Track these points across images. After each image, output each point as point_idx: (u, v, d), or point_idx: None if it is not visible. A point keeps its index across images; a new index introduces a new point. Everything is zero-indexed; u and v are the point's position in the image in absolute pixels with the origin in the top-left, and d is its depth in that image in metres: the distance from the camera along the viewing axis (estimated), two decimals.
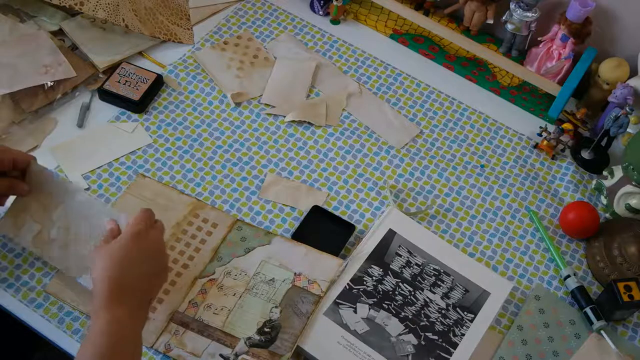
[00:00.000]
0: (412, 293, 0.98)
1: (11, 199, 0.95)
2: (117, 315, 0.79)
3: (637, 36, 1.21)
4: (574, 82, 1.21)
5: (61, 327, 0.92)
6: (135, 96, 1.14)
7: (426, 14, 1.36)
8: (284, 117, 1.19)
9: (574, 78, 1.22)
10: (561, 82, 1.24)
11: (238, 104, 1.20)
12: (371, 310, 0.96)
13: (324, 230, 1.04)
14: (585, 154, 1.20)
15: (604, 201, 1.14)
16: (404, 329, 0.95)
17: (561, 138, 1.18)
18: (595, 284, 1.06)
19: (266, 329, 0.93)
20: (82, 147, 1.10)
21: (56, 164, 1.08)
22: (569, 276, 1.04)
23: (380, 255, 1.01)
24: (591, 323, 0.99)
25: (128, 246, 0.83)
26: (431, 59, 1.33)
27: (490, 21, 1.30)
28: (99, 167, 1.08)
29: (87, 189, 1.05)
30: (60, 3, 1.14)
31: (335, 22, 1.36)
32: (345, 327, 0.94)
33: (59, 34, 1.21)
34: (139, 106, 1.15)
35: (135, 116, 1.15)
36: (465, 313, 0.97)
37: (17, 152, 0.93)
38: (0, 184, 0.91)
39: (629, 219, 1.10)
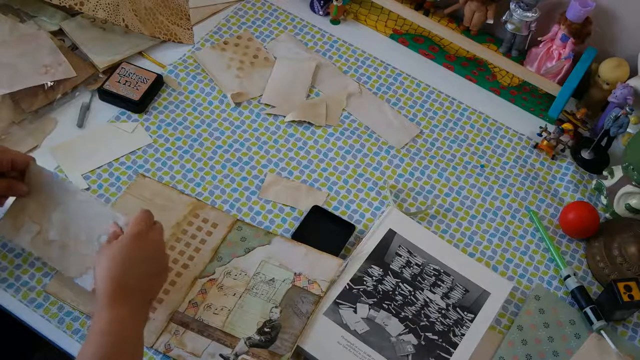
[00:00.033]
0: (412, 293, 0.98)
1: (10, 200, 0.95)
2: (119, 314, 0.79)
3: (637, 36, 1.21)
4: (574, 82, 1.21)
5: (61, 327, 0.92)
6: (135, 96, 1.14)
7: (426, 14, 1.36)
8: (284, 117, 1.19)
9: (574, 78, 1.22)
10: (561, 82, 1.24)
11: (238, 104, 1.20)
12: (371, 310, 0.96)
13: (324, 230, 1.04)
14: (585, 154, 1.20)
15: (604, 201, 1.14)
16: (404, 329, 0.95)
17: (561, 138, 1.18)
18: (595, 284, 1.06)
19: (266, 329, 0.93)
20: (82, 147, 1.10)
21: (56, 164, 1.08)
22: (569, 276, 1.04)
23: (380, 255, 1.01)
24: (591, 323, 0.99)
25: (129, 246, 0.83)
26: (431, 59, 1.33)
27: (490, 21, 1.30)
28: (99, 167, 1.08)
29: (87, 189, 1.05)
30: (60, 3, 1.14)
31: (335, 22, 1.36)
32: (345, 327, 0.94)
33: (59, 34, 1.21)
34: (139, 106, 1.15)
35: (135, 116, 1.15)
36: (465, 313, 0.97)
37: (16, 152, 0.93)
38: None
39: (629, 219, 1.10)
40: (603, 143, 1.19)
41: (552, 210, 1.14)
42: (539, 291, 1.04)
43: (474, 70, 1.31)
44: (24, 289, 0.95)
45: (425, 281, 1.00)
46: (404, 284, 0.99)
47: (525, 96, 1.28)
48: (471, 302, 0.98)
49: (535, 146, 1.21)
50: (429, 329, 0.95)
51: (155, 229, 0.88)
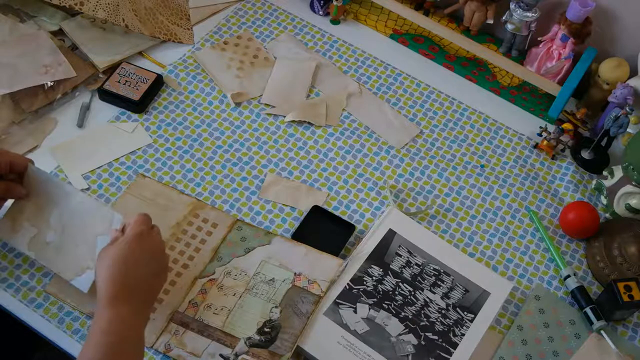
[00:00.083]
0: (412, 293, 0.98)
1: (9, 202, 0.95)
2: (120, 314, 0.79)
3: (637, 36, 1.21)
4: (574, 82, 1.21)
5: (61, 327, 0.92)
6: (135, 96, 1.14)
7: (426, 14, 1.36)
8: (284, 117, 1.19)
9: (574, 78, 1.22)
10: (561, 82, 1.24)
11: (238, 104, 1.20)
12: (371, 310, 0.96)
13: (324, 230, 1.04)
14: (585, 154, 1.20)
15: (604, 201, 1.14)
16: (404, 329, 0.95)
17: (561, 138, 1.18)
18: (595, 284, 1.06)
19: (266, 329, 0.93)
20: (82, 147, 1.10)
21: (56, 164, 1.08)
22: (569, 276, 1.04)
23: (380, 255, 1.01)
24: (591, 323, 0.99)
25: (131, 247, 0.83)
26: (431, 59, 1.33)
27: (490, 21, 1.30)
28: (99, 167, 1.08)
29: (87, 189, 1.05)
30: (60, 3, 1.14)
31: (335, 22, 1.36)
32: (345, 327, 0.94)
33: (59, 34, 1.21)
34: (139, 106, 1.15)
35: (135, 116, 1.15)
36: (465, 313, 0.97)
37: (14, 155, 0.93)
38: None
39: (629, 219, 1.10)
40: (603, 143, 1.19)
41: (552, 210, 1.14)
42: (539, 291, 1.04)
43: (474, 70, 1.31)
44: (24, 289, 0.95)
45: (425, 281, 1.00)
46: (404, 284, 0.99)
47: (525, 96, 1.28)
48: (471, 302, 0.98)
49: (535, 146, 1.21)
50: (429, 329, 0.95)
51: (154, 230, 0.88)
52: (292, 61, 1.27)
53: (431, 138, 1.21)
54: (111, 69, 1.18)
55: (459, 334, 0.95)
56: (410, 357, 0.93)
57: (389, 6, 1.33)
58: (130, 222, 0.86)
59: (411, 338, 0.94)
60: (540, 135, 1.20)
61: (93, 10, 1.16)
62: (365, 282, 0.98)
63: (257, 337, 0.92)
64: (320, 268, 0.98)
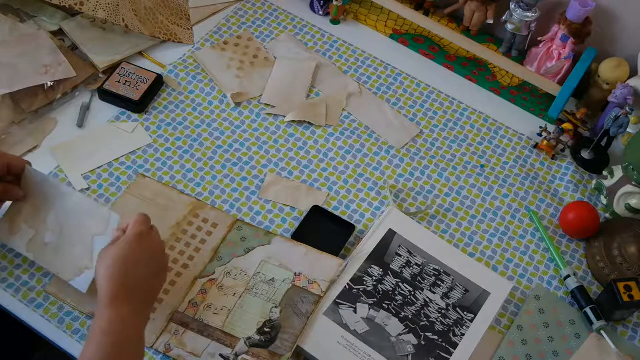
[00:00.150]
0: (412, 293, 0.98)
1: (7, 204, 0.95)
2: (121, 314, 0.79)
3: (637, 36, 1.21)
4: (574, 82, 1.21)
5: (61, 327, 0.92)
6: (135, 96, 1.14)
7: (426, 14, 1.36)
8: (284, 117, 1.19)
9: (574, 78, 1.22)
10: (561, 82, 1.24)
11: (238, 104, 1.20)
12: (371, 310, 0.96)
13: (324, 230, 1.04)
14: (585, 154, 1.20)
15: (604, 201, 1.14)
16: (404, 329, 0.95)
17: (561, 138, 1.18)
18: (595, 284, 1.06)
19: (266, 329, 0.93)
20: (82, 147, 1.10)
21: (56, 164, 1.07)
22: (569, 276, 1.04)
23: (380, 255, 1.01)
24: (591, 323, 0.99)
25: (131, 247, 0.83)
26: (431, 59, 1.33)
27: (490, 21, 1.30)
28: (99, 167, 1.08)
29: (87, 189, 1.05)
30: (60, 3, 1.14)
31: (335, 22, 1.36)
32: (345, 327, 0.94)
33: (59, 34, 1.21)
34: (139, 106, 1.15)
35: (135, 116, 1.15)
36: (465, 313, 0.97)
37: (12, 156, 0.93)
38: None
39: (629, 219, 1.10)
40: (603, 143, 1.19)
41: (552, 210, 1.14)
42: (539, 291, 1.04)
43: (474, 70, 1.31)
44: (24, 289, 0.95)
45: (425, 281, 1.00)
46: (404, 284, 0.99)
47: (525, 96, 1.28)
48: (471, 302, 0.98)
49: (535, 146, 1.21)
50: (429, 329, 0.95)
51: (154, 230, 0.88)
52: (292, 61, 1.27)
53: (431, 138, 1.21)
54: (111, 69, 1.18)
55: (459, 334, 0.95)
56: (410, 357, 0.93)
57: (389, 6, 1.33)
58: (130, 222, 0.86)
59: (411, 338, 0.94)
60: (540, 135, 1.20)
61: (93, 10, 1.16)
62: (365, 282, 0.98)
63: (257, 337, 0.92)
64: (320, 268, 0.98)
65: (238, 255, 1.00)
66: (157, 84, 1.18)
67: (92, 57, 1.18)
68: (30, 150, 1.08)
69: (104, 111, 1.15)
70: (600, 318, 0.99)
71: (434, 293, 0.99)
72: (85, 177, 1.07)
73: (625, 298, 0.96)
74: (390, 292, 0.98)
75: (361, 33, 1.35)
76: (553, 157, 1.20)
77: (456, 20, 1.37)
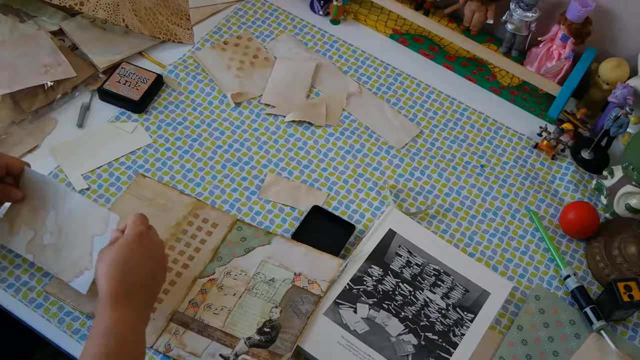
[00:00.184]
0: (412, 293, 0.98)
1: (6, 205, 0.95)
2: (121, 314, 0.79)
3: (637, 36, 1.21)
4: (574, 82, 1.21)
5: (61, 327, 0.92)
6: (135, 96, 1.14)
7: (426, 14, 1.36)
8: (284, 117, 1.19)
9: (574, 78, 1.21)
10: (561, 82, 1.24)
11: (238, 104, 1.20)
12: (371, 310, 0.96)
13: (324, 230, 1.04)
14: (585, 154, 1.20)
15: (604, 201, 1.14)
16: (404, 329, 0.95)
17: (561, 138, 1.18)
18: (595, 284, 1.06)
19: (266, 329, 0.93)
20: (82, 147, 1.10)
21: (56, 164, 1.07)
22: (569, 276, 1.04)
23: (380, 255, 1.01)
24: (591, 323, 0.99)
25: (131, 247, 0.83)
26: (431, 59, 1.33)
27: (490, 21, 1.30)
28: (99, 167, 1.08)
29: (87, 189, 1.05)
30: (60, 3, 1.14)
31: (335, 22, 1.36)
32: (345, 327, 0.94)
33: (59, 34, 1.21)
34: (139, 106, 1.15)
35: (135, 116, 1.15)
36: (465, 313, 0.97)
37: (11, 158, 0.93)
38: None
39: (629, 219, 1.10)
40: (603, 143, 1.19)
41: (552, 210, 1.14)
42: (539, 291, 1.04)
43: (474, 70, 1.31)
44: (24, 289, 0.95)
45: (425, 281, 1.00)
46: (404, 284, 0.99)
47: (525, 96, 1.28)
48: (471, 302, 0.98)
49: (535, 146, 1.21)
50: (429, 329, 0.95)
51: (152, 230, 0.88)
52: (292, 61, 1.27)
53: (431, 138, 1.21)
54: (111, 69, 1.18)
55: (459, 334, 0.95)
56: (410, 357, 0.93)
57: (389, 6, 1.33)
58: (128, 222, 0.86)
59: (411, 338, 0.94)
60: (540, 135, 1.20)
61: (93, 10, 1.16)
62: (365, 282, 0.98)
63: (257, 337, 0.92)
64: (320, 268, 0.98)
65: (238, 255, 1.00)
66: (157, 84, 1.18)
67: (92, 57, 1.19)
68: (30, 150, 1.08)
69: (104, 111, 1.15)
70: (600, 318, 0.99)
71: (434, 293, 0.99)
72: (85, 177, 1.07)
73: (625, 298, 0.96)
74: (390, 292, 0.98)
75: (361, 33, 1.35)
76: (553, 157, 1.20)
77: (456, 20, 1.37)
